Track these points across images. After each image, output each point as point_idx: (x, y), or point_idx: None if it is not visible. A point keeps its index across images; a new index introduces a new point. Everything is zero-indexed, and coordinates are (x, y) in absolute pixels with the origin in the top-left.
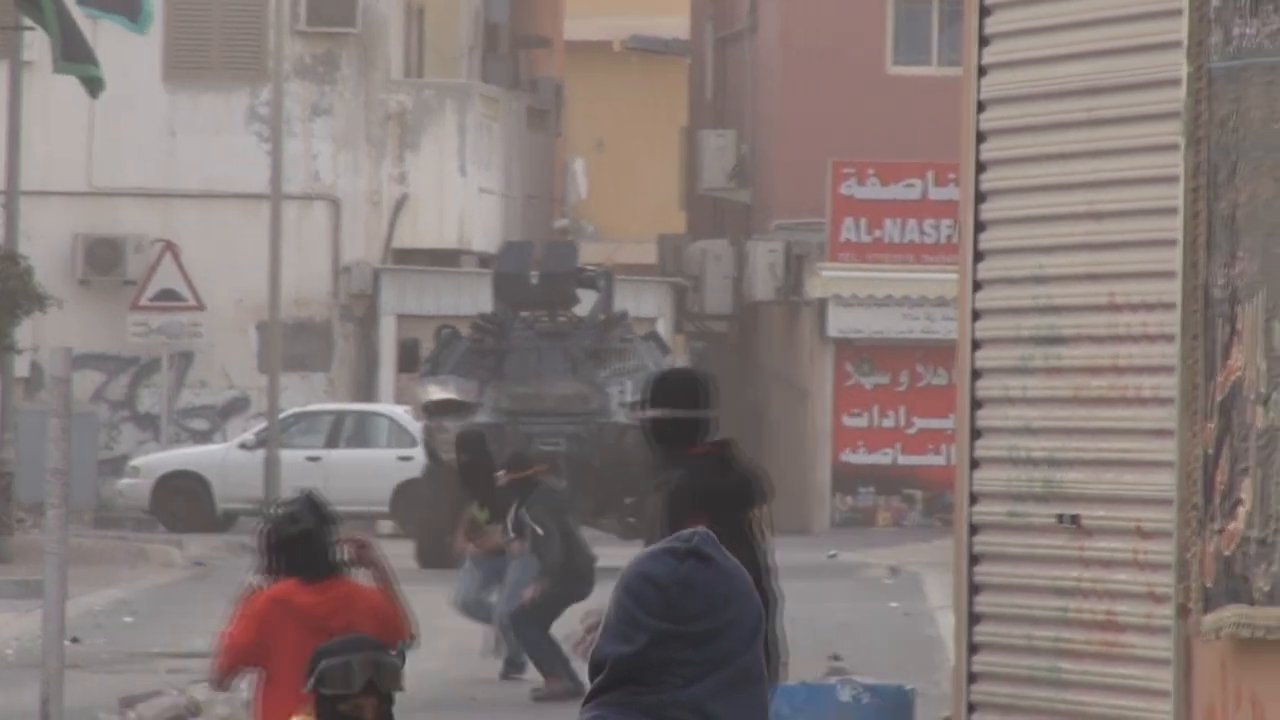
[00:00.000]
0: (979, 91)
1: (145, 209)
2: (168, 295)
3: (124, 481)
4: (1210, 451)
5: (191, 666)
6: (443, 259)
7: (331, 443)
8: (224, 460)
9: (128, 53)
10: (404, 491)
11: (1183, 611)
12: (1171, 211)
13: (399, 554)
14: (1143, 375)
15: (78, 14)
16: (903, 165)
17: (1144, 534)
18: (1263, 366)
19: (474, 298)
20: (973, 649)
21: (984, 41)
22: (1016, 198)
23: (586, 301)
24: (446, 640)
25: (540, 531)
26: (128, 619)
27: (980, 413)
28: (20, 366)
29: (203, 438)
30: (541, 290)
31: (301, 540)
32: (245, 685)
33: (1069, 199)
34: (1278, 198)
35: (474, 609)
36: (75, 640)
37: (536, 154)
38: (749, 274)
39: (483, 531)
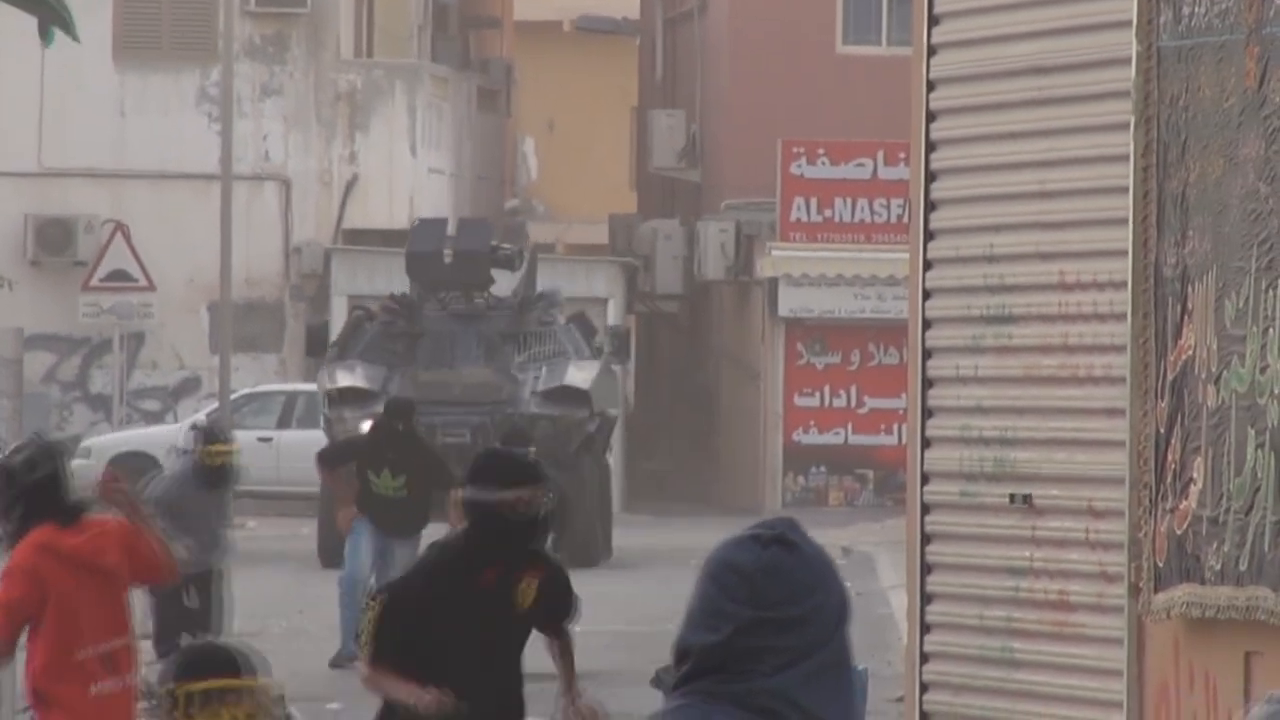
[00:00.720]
0: (929, 71)
1: (96, 189)
2: (119, 276)
3: (76, 462)
4: (1162, 430)
5: (143, 647)
6: (394, 239)
7: (284, 423)
8: (176, 441)
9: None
10: None
11: (1135, 591)
12: (1122, 190)
13: None
14: (1094, 354)
15: None
16: (853, 145)
17: (1096, 513)
18: (1214, 345)
19: None
20: (925, 629)
21: (933, 21)
22: (967, 177)
23: (508, 282)
24: None
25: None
26: None
27: (932, 392)
28: None
29: (155, 418)
30: (455, 270)
31: (48, 485)
32: None
33: (1019, 178)
34: (1228, 176)
35: (360, 590)
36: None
37: (487, 134)
38: (700, 254)
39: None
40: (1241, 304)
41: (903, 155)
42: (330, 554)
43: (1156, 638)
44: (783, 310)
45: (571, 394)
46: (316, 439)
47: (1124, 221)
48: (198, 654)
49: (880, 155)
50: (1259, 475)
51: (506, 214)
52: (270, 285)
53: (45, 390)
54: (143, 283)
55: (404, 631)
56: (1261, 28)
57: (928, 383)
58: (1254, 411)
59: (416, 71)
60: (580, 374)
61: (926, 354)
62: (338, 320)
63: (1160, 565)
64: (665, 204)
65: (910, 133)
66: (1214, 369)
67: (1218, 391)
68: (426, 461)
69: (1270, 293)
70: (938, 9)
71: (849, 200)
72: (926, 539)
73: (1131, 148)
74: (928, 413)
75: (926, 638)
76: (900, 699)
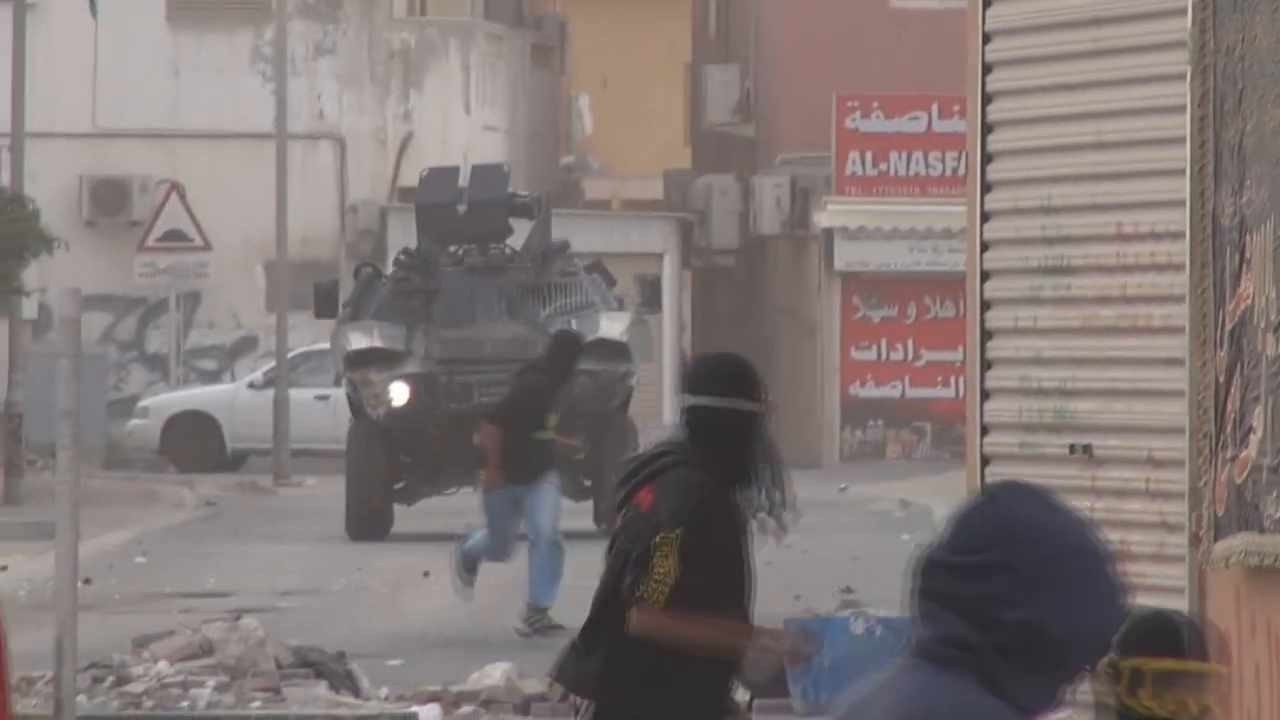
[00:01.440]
0: (984, 23)
1: (150, 150)
2: (174, 236)
3: (133, 422)
4: (1221, 379)
5: (204, 606)
6: None
7: (340, 381)
8: (233, 400)
9: None
10: None
11: (1195, 540)
12: (1179, 141)
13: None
14: (1152, 304)
15: None
16: (907, 98)
17: (1156, 463)
18: (1272, 294)
19: None
20: None
21: None
22: (1023, 129)
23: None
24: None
25: None
26: (139, 559)
27: (990, 344)
28: (28, 309)
29: (211, 378)
30: (470, 221)
31: None
32: (256, 624)
33: (1076, 129)
34: None
35: (551, 543)
36: (87, 581)
37: (541, 91)
38: (755, 208)
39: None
40: None
41: (957, 108)
42: (359, 527)
43: (1217, 587)
44: (839, 264)
45: (609, 347)
46: None
47: (1181, 172)
48: (1157, 627)
49: (935, 108)
50: None
51: (561, 170)
52: (326, 244)
53: (102, 351)
54: (198, 243)
55: (700, 570)
56: None
57: (986, 335)
58: None
59: (470, 29)
60: (614, 325)
61: (985, 306)
62: None
63: (1219, 514)
64: (720, 159)
65: (966, 85)
66: (1273, 317)
67: (1276, 340)
68: (570, 395)
69: None
70: None
71: (904, 154)
72: None
73: (1188, 98)
74: (987, 365)
75: None
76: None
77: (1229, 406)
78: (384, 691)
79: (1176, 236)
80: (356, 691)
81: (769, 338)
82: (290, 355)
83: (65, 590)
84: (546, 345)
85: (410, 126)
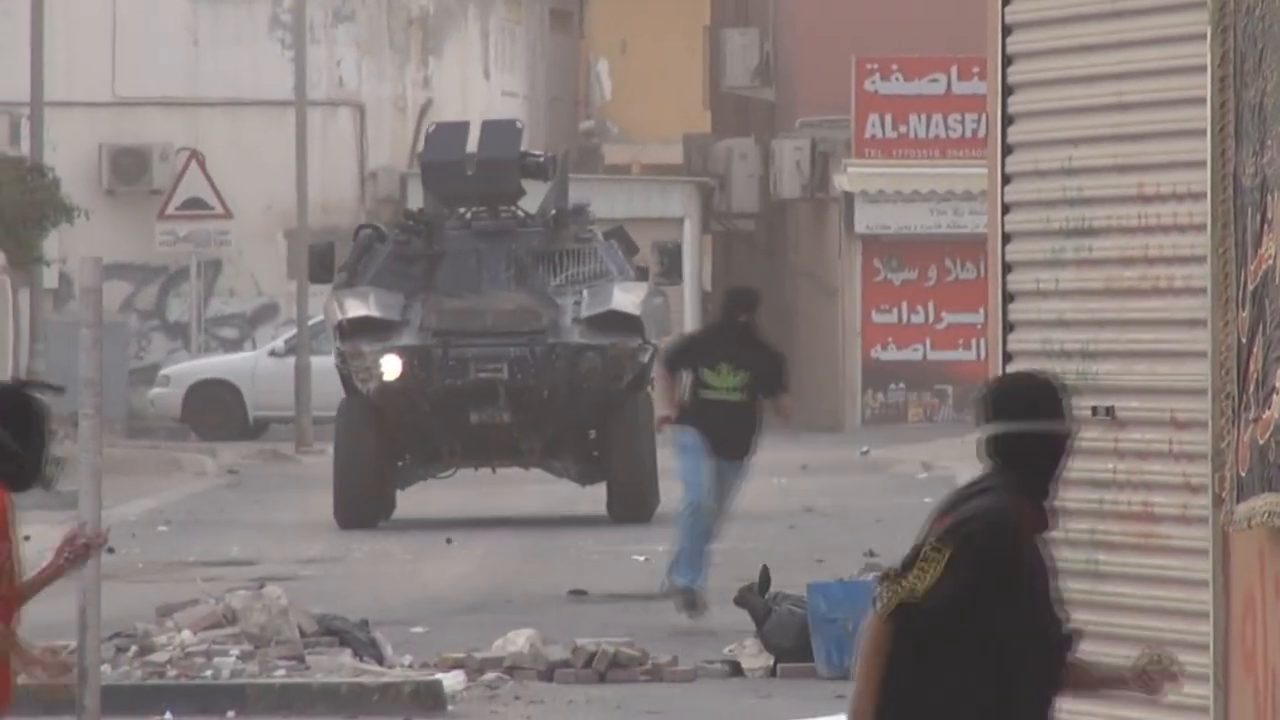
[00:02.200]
0: None
1: (170, 118)
2: (195, 204)
3: (155, 391)
4: (1243, 340)
5: (227, 575)
6: None
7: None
8: (254, 368)
9: None
10: None
11: (1218, 501)
12: (1199, 101)
13: None
14: (1174, 265)
15: None
16: (926, 60)
17: (1179, 424)
18: None
19: None
20: None
21: None
22: (1044, 90)
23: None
24: (481, 545)
25: None
26: (162, 528)
27: (1013, 306)
28: (49, 278)
29: (233, 345)
30: (479, 180)
31: None
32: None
33: (1096, 90)
34: None
35: (707, 518)
36: (111, 550)
37: (560, 56)
38: (775, 172)
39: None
40: None
41: (976, 70)
42: (349, 514)
43: (1241, 548)
44: (859, 227)
45: (620, 320)
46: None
47: (1202, 133)
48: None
49: (954, 70)
50: None
51: (581, 135)
52: (346, 211)
53: (124, 319)
54: (219, 210)
55: (979, 605)
56: None
57: (1008, 297)
58: None
59: None
60: (628, 297)
61: (1006, 268)
62: None
63: (1242, 475)
64: (739, 123)
65: (986, 47)
66: None
67: None
68: (768, 360)
69: None
70: None
71: (923, 116)
72: None
73: (1208, 58)
74: (1009, 327)
75: None
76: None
77: (1251, 367)
78: (408, 659)
79: (1198, 197)
80: (380, 659)
81: (790, 302)
82: (311, 323)
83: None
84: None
85: (429, 93)
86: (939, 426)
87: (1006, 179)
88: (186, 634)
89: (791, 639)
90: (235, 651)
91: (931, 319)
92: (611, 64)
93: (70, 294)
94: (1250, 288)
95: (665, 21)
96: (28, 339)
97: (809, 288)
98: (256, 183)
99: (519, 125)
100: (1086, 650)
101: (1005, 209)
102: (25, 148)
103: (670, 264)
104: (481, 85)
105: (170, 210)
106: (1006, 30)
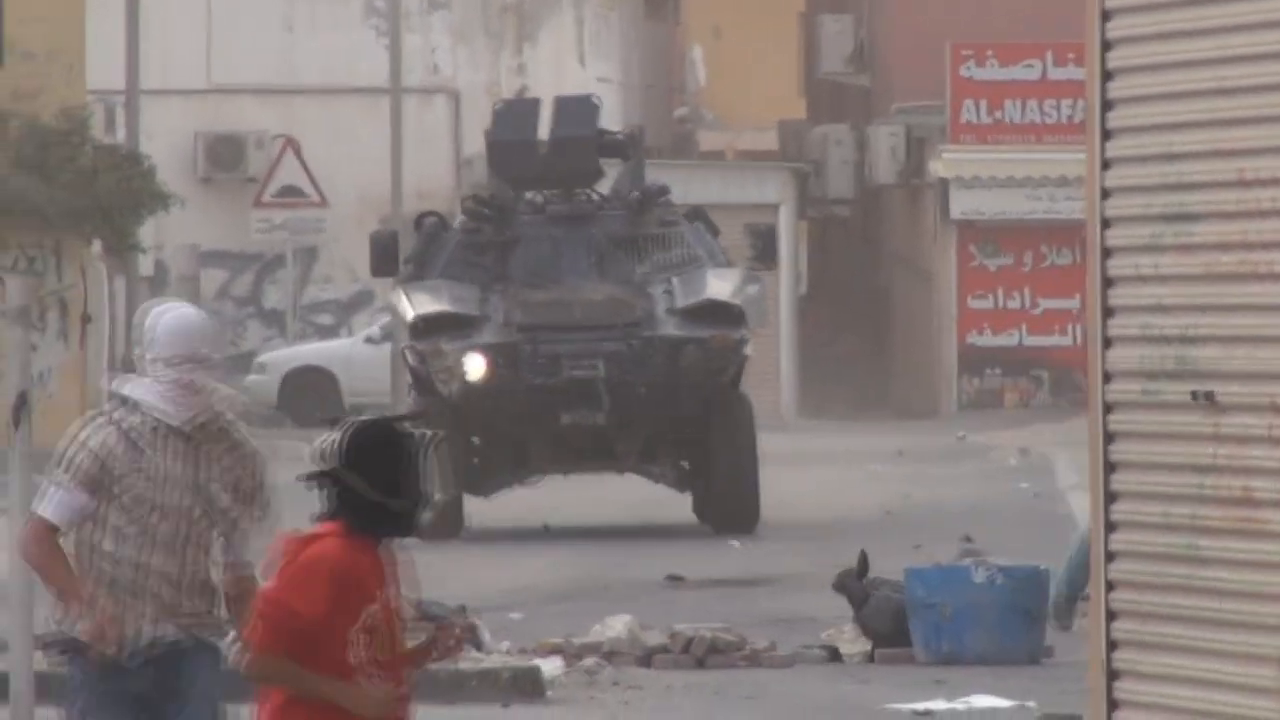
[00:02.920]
0: None
1: (265, 105)
2: (290, 191)
3: (251, 378)
4: None
5: None
6: None
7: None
8: (350, 354)
9: None
10: None
11: None
12: None
13: None
14: (1274, 250)
15: None
16: (1022, 46)
17: (1278, 409)
18: None
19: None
20: (1110, 527)
21: None
22: (1144, 75)
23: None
24: (576, 532)
25: None
26: (258, 515)
27: (1112, 291)
28: (145, 266)
29: (328, 332)
30: (553, 161)
31: None
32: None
33: (1197, 75)
34: None
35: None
36: None
37: (655, 43)
38: (870, 158)
39: None
40: None
41: (1071, 56)
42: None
43: None
44: (954, 213)
45: (720, 310)
46: None
47: None
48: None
49: (1049, 56)
50: None
51: (675, 122)
52: (441, 198)
53: (219, 307)
54: (314, 198)
55: None
56: None
57: (1108, 282)
58: None
59: None
60: (724, 285)
61: (1106, 253)
62: None
63: None
64: (834, 109)
65: (1085, 32)
66: None
67: None
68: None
69: None
70: None
71: (1019, 102)
72: (1110, 438)
73: None
74: (1108, 312)
75: (1111, 536)
76: (1086, 597)
77: None
78: (506, 645)
79: None
80: (479, 645)
81: (885, 287)
82: None
83: None
84: None
85: (524, 80)
86: (1035, 412)
87: (1106, 164)
88: None
89: (889, 624)
90: None
91: (1027, 304)
92: (706, 50)
93: (167, 281)
94: None
95: (759, 7)
96: (125, 327)
97: (904, 273)
98: (351, 170)
99: (595, 101)
100: (1173, 633)
101: (1105, 194)
102: (121, 135)
103: (764, 247)
104: (576, 72)
105: (266, 198)
106: (1106, 15)
